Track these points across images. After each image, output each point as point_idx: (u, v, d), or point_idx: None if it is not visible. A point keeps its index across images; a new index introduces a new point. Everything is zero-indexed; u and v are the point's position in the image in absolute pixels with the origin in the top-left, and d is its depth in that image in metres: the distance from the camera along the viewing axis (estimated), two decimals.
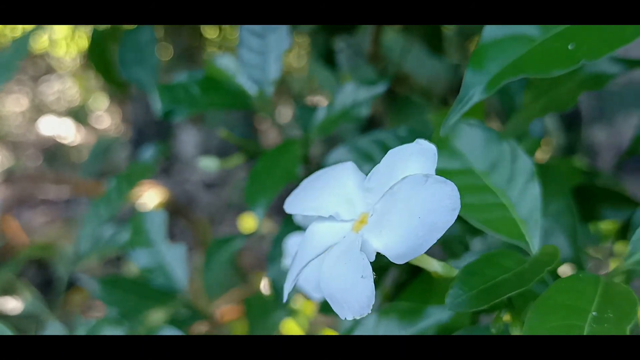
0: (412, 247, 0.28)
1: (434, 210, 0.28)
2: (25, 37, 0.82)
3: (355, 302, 0.28)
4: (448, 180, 0.28)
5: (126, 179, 0.83)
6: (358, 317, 0.28)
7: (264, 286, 1.12)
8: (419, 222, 0.28)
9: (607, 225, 0.74)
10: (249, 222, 1.48)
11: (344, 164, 0.35)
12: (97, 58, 0.87)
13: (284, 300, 0.32)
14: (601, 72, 0.50)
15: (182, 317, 0.71)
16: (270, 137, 2.36)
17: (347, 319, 0.28)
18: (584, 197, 0.57)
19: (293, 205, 0.34)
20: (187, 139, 2.37)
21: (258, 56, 0.65)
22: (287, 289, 0.32)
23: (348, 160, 0.58)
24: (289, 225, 0.64)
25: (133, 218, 0.74)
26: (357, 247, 0.29)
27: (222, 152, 2.19)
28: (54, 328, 0.64)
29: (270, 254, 0.65)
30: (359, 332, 0.42)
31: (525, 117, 0.52)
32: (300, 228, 0.57)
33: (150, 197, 1.41)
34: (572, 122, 1.00)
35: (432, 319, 0.41)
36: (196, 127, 2.29)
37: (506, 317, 0.34)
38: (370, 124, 0.92)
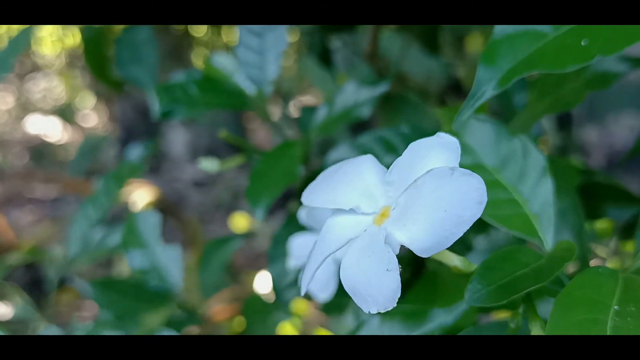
0: (438, 241, 0.28)
1: (461, 203, 0.27)
2: (20, 36, 0.82)
3: (380, 296, 0.28)
4: (474, 173, 0.28)
5: (114, 179, 0.83)
6: (383, 311, 0.27)
7: (259, 286, 1.12)
8: (445, 215, 0.27)
9: (602, 224, 0.75)
10: (240, 222, 1.47)
11: (363, 156, 0.34)
12: (92, 56, 0.86)
13: (302, 293, 0.32)
14: (607, 71, 0.50)
15: (178, 319, 0.71)
16: (259, 136, 2.36)
17: (371, 312, 0.28)
18: (585, 195, 0.57)
19: (312, 197, 0.34)
20: (176, 137, 2.36)
21: (256, 55, 0.65)
22: (305, 283, 0.31)
23: (349, 157, 0.58)
24: (290, 225, 0.64)
25: (127, 218, 0.73)
26: (381, 240, 0.29)
27: (211, 151, 2.19)
28: (50, 332, 0.64)
29: (270, 254, 0.64)
30: (363, 333, 0.42)
31: (530, 116, 0.53)
32: (304, 228, 0.57)
33: (139, 196, 1.40)
34: (563, 122, 1.01)
35: (436, 322, 0.41)
36: (185, 126, 2.28)
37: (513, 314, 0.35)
38: (360, 123, 0.92)
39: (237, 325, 1.02)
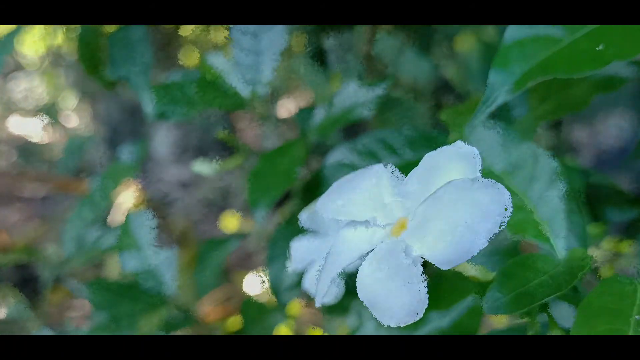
0: (460, 253, 0.27)
1: (483, 215, 0.27)
2: (9, 37, 0.81)
3: (400, 309, 0.27)
4: (497, 184, 0.27)
5: (110, 178, 0.82)
6: (403, 325, 0.27)
7: (249, 286, 1.12)
8: (467, 228, 0.27)
9: (594, 227, 0.75)
10: (230, 222, 1.46)
11: (377, 166, 0.34)
12: (87, 54, 0.85)
13: (317, 305, 0.31)
14: (614, 75, 0.50)
15: (174, 321, 0.70)
16: (247, 135, 2.35)
17: (391, 326, 0.27)
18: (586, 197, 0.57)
19: (326, 208, 0.33)
20: (162, 137, 2.34)
21: (252, 56, 0.64)
22: (320, 294, 0.31)
23: (348, 159, 0.58)
24: (288, 226, 0.63)
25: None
26: (401, 252, 0.28)
27: (198, 150, 2.17)
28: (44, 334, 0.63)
29: (269, 255, 0.64)
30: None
31: (534, 119, 0.52)
32: (301, 229, 0.57)
33: (126, 197, 1.39)
34: (554, 122, 1.01)
35: (433, 325, 0.41)
36: (171, 126, 2.26)
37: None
38: (352, 124, 0.91)
39: (231, 326, 1.02)
